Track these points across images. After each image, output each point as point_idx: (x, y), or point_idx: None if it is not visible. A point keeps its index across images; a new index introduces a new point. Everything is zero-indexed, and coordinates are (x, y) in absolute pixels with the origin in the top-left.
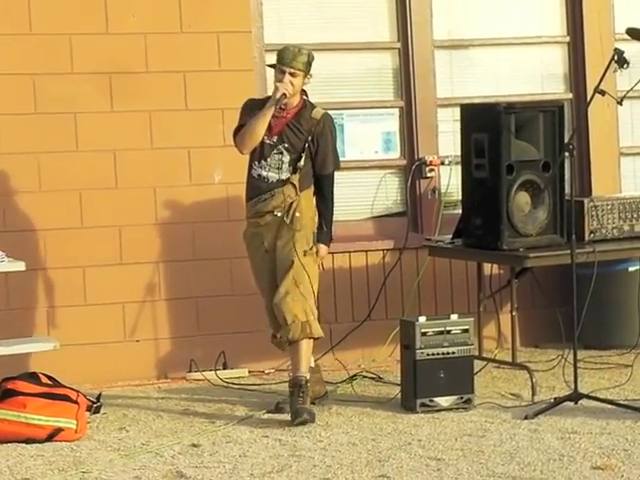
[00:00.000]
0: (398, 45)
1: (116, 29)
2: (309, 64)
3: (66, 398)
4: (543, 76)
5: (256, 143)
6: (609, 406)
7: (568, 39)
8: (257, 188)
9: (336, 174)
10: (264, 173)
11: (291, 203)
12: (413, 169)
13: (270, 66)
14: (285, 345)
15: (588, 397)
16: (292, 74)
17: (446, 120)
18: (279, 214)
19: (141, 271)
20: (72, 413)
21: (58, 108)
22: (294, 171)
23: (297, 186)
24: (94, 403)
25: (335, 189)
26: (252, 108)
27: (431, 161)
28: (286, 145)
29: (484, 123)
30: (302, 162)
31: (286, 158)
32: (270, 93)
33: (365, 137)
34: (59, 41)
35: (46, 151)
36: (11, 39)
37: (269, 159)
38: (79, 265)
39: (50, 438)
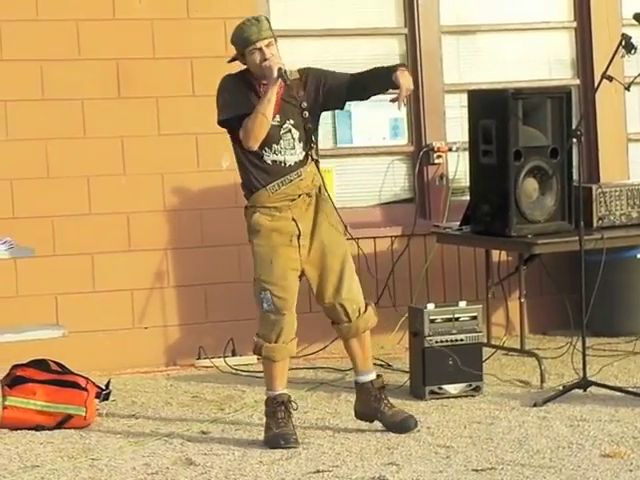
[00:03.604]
0: (405, 31)
1: (123, 15)
2: (271, 28)
3: (75, 385)
4: (550, 62)
5: (266, 133)
6: (618, 393)
7: (575, 25)
8: (274, 173)
9: (343, 160)
10: (280, 157)
11: (319, 182)
12: (421, 155)
13: (233, 59)
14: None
15: (597, 384)
16: (268, 45)
17: (453, 106)
18: (312, 195)
19: (149, 258)
20: (81, 400)
21: (65, 94)
22: (310, 146)
23: (319, 162)
24: (103, 390)
25: None
26: (235, 90)
27: (439, 147)
28: (291, 122)
29: (491, 109)
30: (314, 131)
31: (295, 135)
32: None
33: (373, 123)
34: (66, 27)
35: (54, 137)
36: (18, 25)
37: (281, 142)
38: (87, 252)
39: (59, 425)
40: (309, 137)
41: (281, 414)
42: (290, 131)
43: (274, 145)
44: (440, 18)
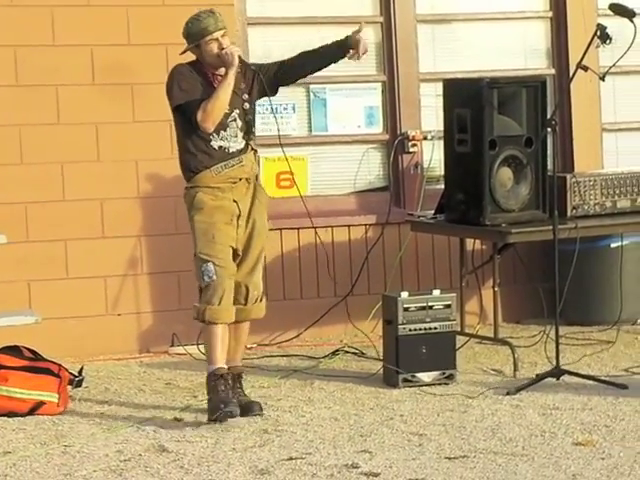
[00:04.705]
0: (381, 19)
1: (98, 1)
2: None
3: (48, 371)
4: (526, 51)
5: (222, 115)
6: (591, 382)
7: (551, 14)
8: (218, 158)
9: (318, 148)
10: (225, 144)
11: (257, 170)
12: (396, 144)
13: (189, 49)
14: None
15: (570, 373)
16: (223, 35)
17: (429, 95)
18: (251, 182)
19: (123, 244)
20: (54, 387)
21: (40, 80)
22: (249, 137)
23: (257, 152)
24: (76, 377)
25: None
26: (190, 77)
27: (414, 136)
28: (237, 111)
29: (467, 98)
30: (254, 122)
31: (239, 124)
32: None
33: (348, 111)
34: (41, 12)
35: (27, 123)
36: None
37: (228, 129)
38: (61, 238)
39: (32, 412)
40: (249, 128)
41: (222, 387)
42: (235, 120)
43: (222, 132)
44: (416, 7)
